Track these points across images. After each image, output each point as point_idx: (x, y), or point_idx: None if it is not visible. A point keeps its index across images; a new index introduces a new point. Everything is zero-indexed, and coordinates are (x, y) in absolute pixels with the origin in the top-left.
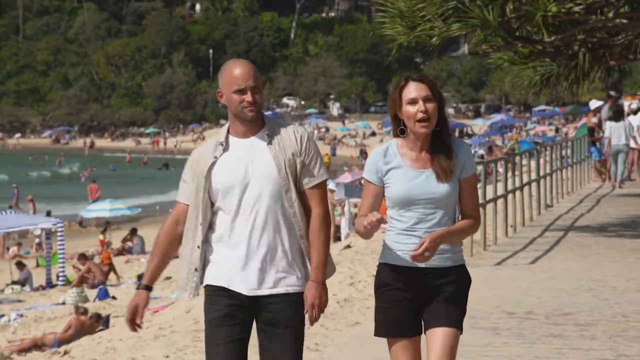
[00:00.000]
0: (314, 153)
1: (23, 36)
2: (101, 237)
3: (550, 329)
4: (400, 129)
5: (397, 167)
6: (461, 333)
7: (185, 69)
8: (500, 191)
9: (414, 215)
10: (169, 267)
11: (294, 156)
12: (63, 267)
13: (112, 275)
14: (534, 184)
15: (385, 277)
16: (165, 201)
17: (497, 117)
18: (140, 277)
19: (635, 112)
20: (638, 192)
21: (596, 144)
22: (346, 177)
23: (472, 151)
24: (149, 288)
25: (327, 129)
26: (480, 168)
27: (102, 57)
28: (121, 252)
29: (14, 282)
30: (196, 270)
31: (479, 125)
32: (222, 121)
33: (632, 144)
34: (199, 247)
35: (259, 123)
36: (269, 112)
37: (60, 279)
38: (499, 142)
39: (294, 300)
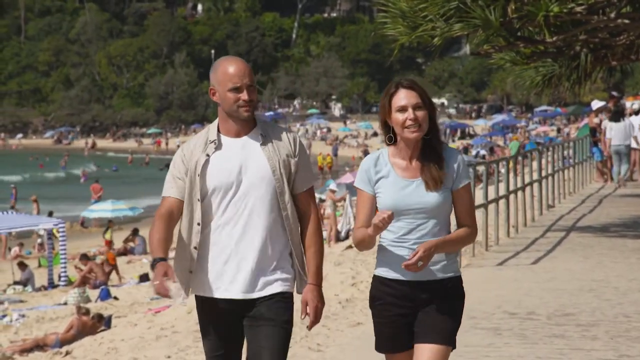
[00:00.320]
0: (306, 156)
1: (25, 36)
2: (107, 237)
3: (552, 329)
4: (388, 137)
5: (387, 176)
6: (453, 348)
7: (187, 69)
8: (502, 191)
9: (403, 226)
10: None
11: (289, 157)
12: (65, 267)
13: (114, 276)
14: (535, 185)
15: (377, 291)
16: None
17: (498, 118)
18: (142, 277)
19: (637, 113)
20: None
21: (598, 144)
22: (348, 178)
23: (474, 151)
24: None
25: (329, 130)
26: (482, 168)
27: (103, 58)
28: (123, 252)
29: (16, 283)
30: (190, 272)
31: (480, 126)
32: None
33: (634, 144)
34: (195, 248)
35: (251, 122)
36: (271, 113)
37: (62, 279)
38: (500, 143)
39: (283, 298)
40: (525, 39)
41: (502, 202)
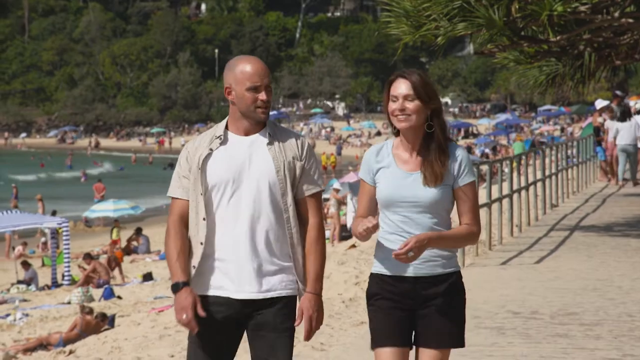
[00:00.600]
0: (313, 161)
1: (29, 36)
2: (114, 236)
3: (555, 328)
4: (394, 127)
5: (387, 167)
6: (462, 346)
7: (191, 68)
8: (505, 191)
9: (398, 219)
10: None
11: (294, 160)
12: (68, 266)
13: (117, 275)
14: (539, 184)
15: (374, 288)
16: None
17: (502, 117)
18: (145, 277)
19: (639, 112)
20: None
21: (602, 143)
22: (351, 177)
23: (478, 151)
24: (187, 283)
25: (333, 129)
26: (485, 168)
27: (107, 57)
28: (127, 251)
29: (19, 282)
30: (194, 267)
31: (484, 125)
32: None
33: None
34: (202, 243)
35: (262, 122)
36: (275, 112)
37: (66, 278)
38: (504, 142)
39: (288, 303)
40: (529, 38)
41: (505, 201)
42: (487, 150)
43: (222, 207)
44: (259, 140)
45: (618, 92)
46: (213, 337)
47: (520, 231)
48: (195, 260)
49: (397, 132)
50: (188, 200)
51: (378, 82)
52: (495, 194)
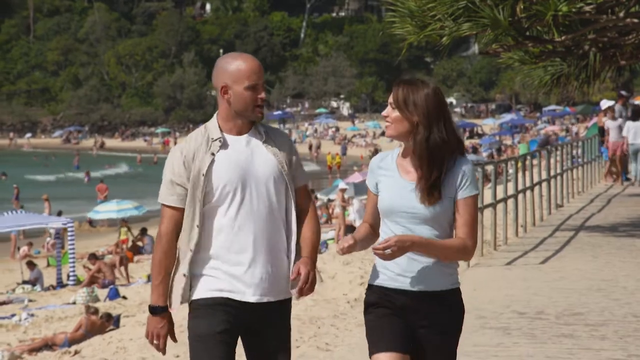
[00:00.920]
0: (298, 154)
1: (34, 36)
2: (123, 236)
3: (560, 329)
4: None
5: (390, 176)
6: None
7: (196, 68)
8: (510, 191)
9: (398, 229)
10: None
11: (289, 154)
12: (73, 266)
13: (122, 275)
14: (544, 184)
15: (371, 298)
16: None
17: (507, 117)
18: (150, 277)
19: None
20: None
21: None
22: (356, 177)
23: (484, 152)
24: (166, 309)
25: (337, 129)
26: (490, 168)
27: (112, 57)
28: (132, 252)
29: (24, 282)
30: (184, 275)
31: (489, 125)
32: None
33: None
34: (191, 250)
35: (254, 121)
36: (280, 112)
37: (71, 278)
38: (509, 142)
39: (289, 304)
40: (534, 38)
41: (510, 201)
42: (491, 151)
43: (232, 210)
44: (255, 139)
45: (623, 92)
46: (219, 341)
47: (526, 231)
48: (190, 268)
49: None
50: (182, 208)
51: (383, 82)
52: (500, 194)
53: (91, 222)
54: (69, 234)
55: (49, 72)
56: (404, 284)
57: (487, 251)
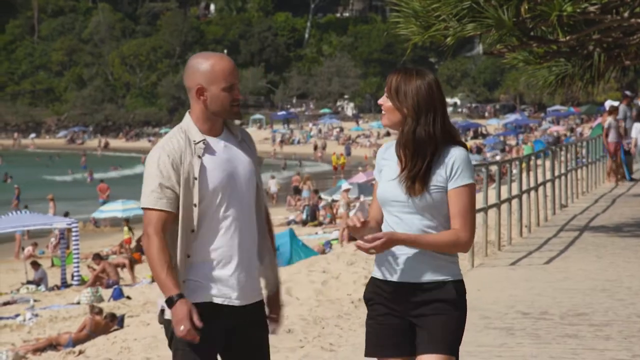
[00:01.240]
0: None
1: (38, 36)
2: (126, 236)
3: (565, 329)
4: None
5: (389, 166)
6: (456, 359)
7: None
8: (514, 191)
9: (392, 220)
10: None
11: (256, 153)
12: (78, 266)
13: (126, 275)
14: (548, 184)
15: (368, 292)
16: None
17: (511, 117)
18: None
19: None
20: None
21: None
22: (360, 177)
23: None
24: (182, 295)
25: (341, 129)
26: (494, 168)
27: (116, 57)
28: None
29: (29, 282)
30: (183, 282)
31: (493, 125)
32: (236, 121)
33: None
34: (188, 256)
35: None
36: (284, 112)
37: (75, 278)
38: (513, 142)
39: (263, 304)
40: (539, 39)
41: (514, 201)
42: (497, 152)
43: (219, 214)
44: (230, 140)
45: (628, 93)
46: (210, 346)
47: (530, 232)
48: (185, 274)
49: None
50: (171, 212)
51: None
52: (504, 195)
53: (95, 222)
54: (74, 234)
55: (53, 72)
56: (391, 275)
57: (491, 251)
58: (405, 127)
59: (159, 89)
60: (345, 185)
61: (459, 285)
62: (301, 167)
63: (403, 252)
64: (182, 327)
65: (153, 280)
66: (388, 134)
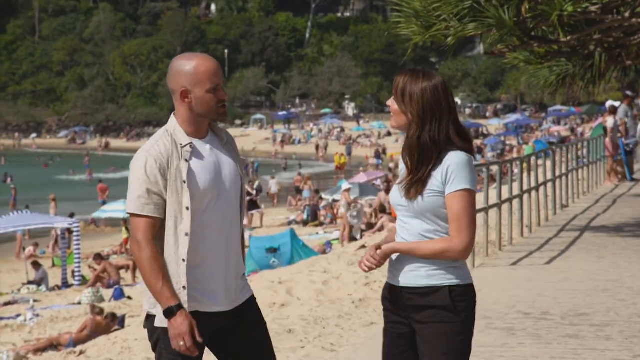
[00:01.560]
0: None
1: (39, 36)
2: (125, 236)
3: (566, 329)
4: None
5: (403, 170)
6: None
7: None
8: (515, 191)
9: (399, 223)
10: None
11: (239, 155)
12: (79, 267)
13: (127, 275)
14: (549, 184)
15: (382, 296)
16: None
17: (512, 117)
18: None
19: None
20: None
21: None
22: (361, 177)
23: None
24: (181, 306)
25: (342, 129)
26: (495, 168)
27: (117, 57)
28: None
29: (30, 282)
30: (184, 288)
31: (494, 125)
32: (237, 121)
33: None
34: (184, 260)
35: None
36: (285, 113)
37: (76, 278)
38: (514, 142)
39: (255, 298)
40: (539, 39)
41: (515, 201)
42: (497, 152)
43: (206, 217)
44: (215, 142)
45: (629, 93)
46: (201, 354)
47: (531, 232)
48: (183, 280)
49: None
50: (159, 218)
51: (388, 82)
52: (505, 195)
53: (95, 222)
54: (75, 234)
55: (54, 72)
56: (392, 279)
57: (492, 251)
58: (410, 132)
59: (160, 89)
60: (345, 185)
61: (457, 290)
62: (301, 168)
63: (404, 256)
64: (182, 342)
65: None
66: (389, 134)
